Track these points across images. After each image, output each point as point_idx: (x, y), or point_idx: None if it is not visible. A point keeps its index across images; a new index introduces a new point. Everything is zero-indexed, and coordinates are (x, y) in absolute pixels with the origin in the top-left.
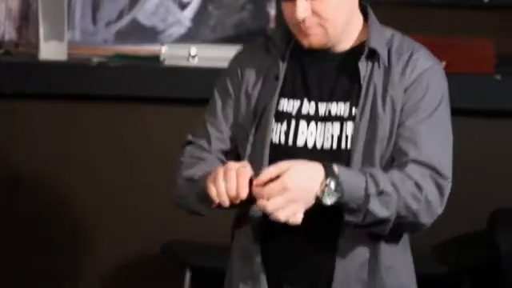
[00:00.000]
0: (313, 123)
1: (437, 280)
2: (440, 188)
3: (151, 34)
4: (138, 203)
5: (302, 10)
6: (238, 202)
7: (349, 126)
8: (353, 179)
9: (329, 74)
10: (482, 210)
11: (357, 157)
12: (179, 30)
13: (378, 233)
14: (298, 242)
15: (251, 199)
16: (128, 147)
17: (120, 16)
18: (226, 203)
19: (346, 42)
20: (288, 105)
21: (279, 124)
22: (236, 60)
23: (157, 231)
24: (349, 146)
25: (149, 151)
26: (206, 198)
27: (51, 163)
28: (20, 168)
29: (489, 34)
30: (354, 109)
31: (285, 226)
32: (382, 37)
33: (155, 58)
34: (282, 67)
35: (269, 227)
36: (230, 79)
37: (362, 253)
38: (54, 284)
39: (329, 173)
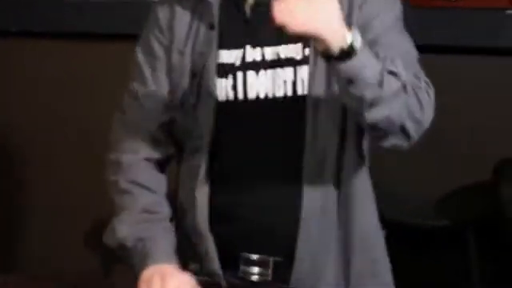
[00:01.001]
0: (262, 71)
1: (439, 233)
2: (428, 92)
3: None
4: None
5: None
6: None
7: (304, 70)
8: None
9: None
10: (488, 160)
11: (315, 102)
12: None
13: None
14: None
15: None
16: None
17: None
18: None
19: None
20: (230, 55)
21: (224, 79)
22: (158, 11)
23: None
24: (305, 91)
25: None
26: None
27: (43, 105)
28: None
29: None
30: (307, 49)
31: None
32: None
33: None
34: (216, 12)
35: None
36: (155, 37)
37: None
38: None
39: None
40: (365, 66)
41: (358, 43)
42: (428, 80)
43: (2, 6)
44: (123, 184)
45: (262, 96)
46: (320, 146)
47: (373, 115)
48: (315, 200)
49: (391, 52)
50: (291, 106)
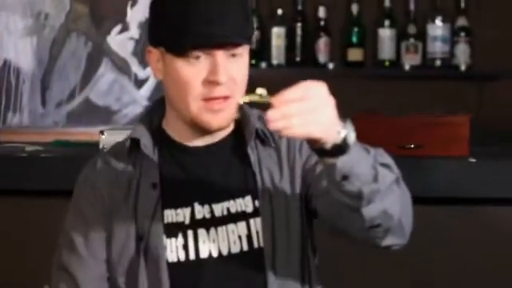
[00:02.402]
0: (212, 229)
1: None
2: None
3: (105, 115)
4: None
5: (224, 71)
6: None
7: (257, 222)
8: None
9: (215, 167)
10: None
11: (273, 252)
12: (135, 110)
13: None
14: None
15: None
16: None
17: (72, 95)
18: None
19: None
20: (177, 215)
21: (173, 239)
22: (91, 176)
23: None
24: (261, 243)
25: None
26: None
27: None
28: None
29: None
30: (256, 201)
31: None
32: (253, 113)
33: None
34: (157, 171)
35: None
36: (89, 204)
37: None
38: None
39: None
40: (358, 160)
41: (351, 138)
42: None
43: None
44: None
45: (215, 254)
46: None
47: (370, 210)
48: None
49: None
50: (249, 260)
